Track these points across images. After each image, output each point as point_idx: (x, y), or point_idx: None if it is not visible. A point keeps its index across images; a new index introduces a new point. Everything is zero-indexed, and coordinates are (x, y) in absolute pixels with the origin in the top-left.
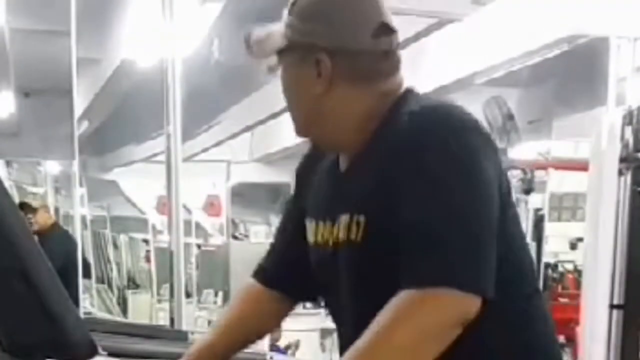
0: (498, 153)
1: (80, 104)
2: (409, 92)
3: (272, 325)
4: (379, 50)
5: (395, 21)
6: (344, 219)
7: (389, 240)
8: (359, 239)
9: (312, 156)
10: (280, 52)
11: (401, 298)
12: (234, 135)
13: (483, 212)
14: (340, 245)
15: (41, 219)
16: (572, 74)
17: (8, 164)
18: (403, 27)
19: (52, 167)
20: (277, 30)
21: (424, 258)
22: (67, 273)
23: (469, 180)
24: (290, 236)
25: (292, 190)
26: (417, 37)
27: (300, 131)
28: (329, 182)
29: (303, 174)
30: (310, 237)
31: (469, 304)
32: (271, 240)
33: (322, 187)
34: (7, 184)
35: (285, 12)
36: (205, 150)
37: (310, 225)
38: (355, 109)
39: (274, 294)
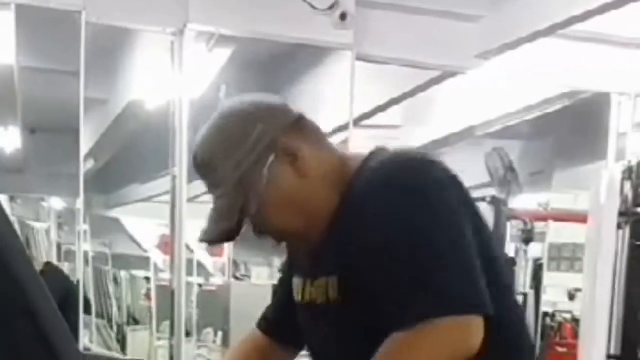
0: (461, 184)
1: (86, 142)
2: (372, 152)
3: None
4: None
5: (402, 71)
6: (322, 281)
7: (364, 297)
8: (335, 297)
9: None
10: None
11: (399, 337)
12: None
13: (459, 240)
14: (321, 305)
15: None
16: (574, 128)
17: (12, 199)
18: (409, 78)
19: (56, 203)
20: (228, 198)
21: (414, 296)
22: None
23: (436, 213)
24: (289, 288)
25: None
26: (422, 88)
27: (311, 235)
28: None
29: None
30: (297, 296)
31: (473, 326)
32: (274, 283)
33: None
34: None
35: (210, 167)
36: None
37: (296, 283)
38: (326, 171)
39: (276, 343)
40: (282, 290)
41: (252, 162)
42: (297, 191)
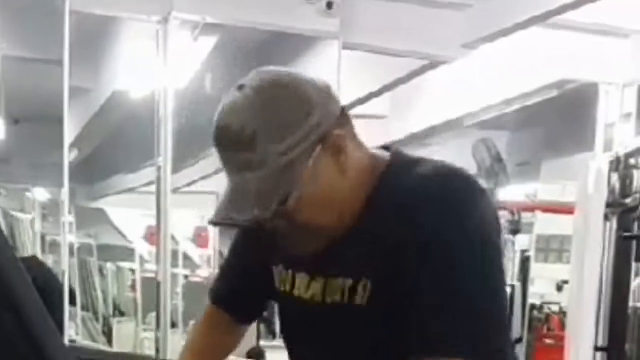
0: (498, 215)
1: (70, 132)
2: (397, 152)
3: (236, 345)
4: (340, 109)
5: (388, 61)
6: (342, 282)
7: (394, 305)
8: (365, 302)
9: None
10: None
11: None
12: (222, 169)
13: (494, 282)
14: (336, 306)
15: None
16: (561, 119)
17: None
18: (395, 68)
19: (40, 193)
20: (261, 178)
21: (434, 327)
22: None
23: (480, 250)
24: (249, 267)
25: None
26: (408, 77)
27: (335, 232)
28: None
29: None
30: (284, 287)
31: None
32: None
33: None
34: None
35: (251, 143)
36: (194, 182)
37: (284, 274)
38: (360, 169)
39: (231, 316)
40: (241, 268)
41: (303, 149)
42: (334, 187)
